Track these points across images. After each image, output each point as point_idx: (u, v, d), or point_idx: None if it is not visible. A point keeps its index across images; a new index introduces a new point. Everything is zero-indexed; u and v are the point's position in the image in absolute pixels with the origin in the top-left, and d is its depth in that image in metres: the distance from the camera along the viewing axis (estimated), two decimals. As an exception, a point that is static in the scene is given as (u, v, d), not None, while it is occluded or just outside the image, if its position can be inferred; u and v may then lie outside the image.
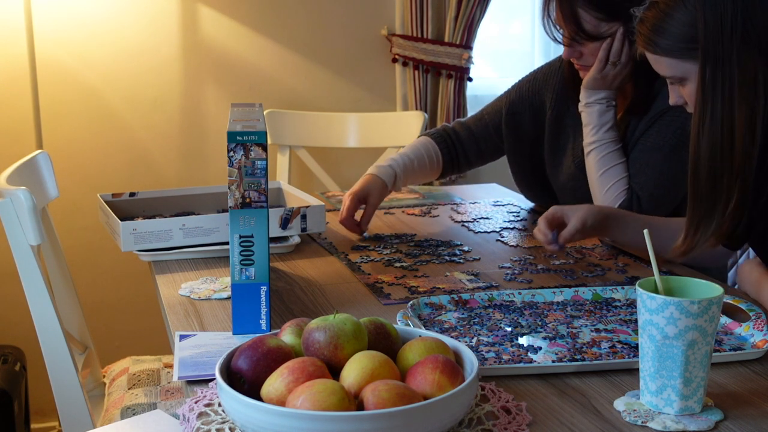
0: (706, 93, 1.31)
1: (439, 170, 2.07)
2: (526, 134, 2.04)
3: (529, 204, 2.18)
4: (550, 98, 1.99)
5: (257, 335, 1.14)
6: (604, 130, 1.81)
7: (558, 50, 3.14)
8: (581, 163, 1.90)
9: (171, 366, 1.88)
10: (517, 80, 2.10)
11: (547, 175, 2.04)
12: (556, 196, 2.06)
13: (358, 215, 1.87)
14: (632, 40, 1.74)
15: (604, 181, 1.80)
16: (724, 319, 1.33)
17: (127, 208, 1.85)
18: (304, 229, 1.75)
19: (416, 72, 2.86)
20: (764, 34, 1.29)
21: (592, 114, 1.83)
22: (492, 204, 2.20)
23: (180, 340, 1.29)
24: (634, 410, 1.06)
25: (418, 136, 2.13)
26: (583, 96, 1.84)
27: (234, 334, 1.30)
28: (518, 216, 2.07)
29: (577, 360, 1.20)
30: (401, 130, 2.77)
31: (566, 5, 1.75)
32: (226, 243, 1.68)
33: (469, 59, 2.85)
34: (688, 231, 1.37)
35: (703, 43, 1.31)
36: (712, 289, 1.07)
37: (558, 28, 1.80)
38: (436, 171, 2.06)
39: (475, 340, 1.27)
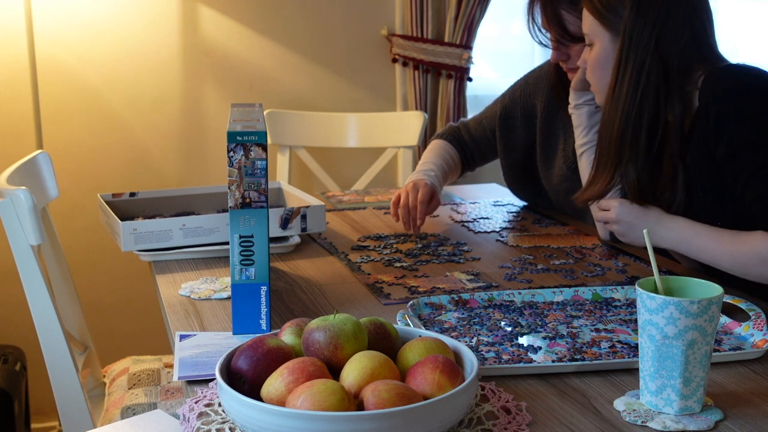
0: (619, 72, 1.52)
1: (459, 171, 2.13)
2: (520, 139, 2.06)
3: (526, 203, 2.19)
4: (541, 102, 2.00)
5: (257, 335, 1.14)
6: (595, 131, 1.81)
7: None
8: (572, 164, 1.91)
9: (171, 366, 1.88)
10: (512, 83, 2.11)
11: (539, 177, 2.05)
12: (547, 198, 2.06)
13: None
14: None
15: None
16: (724, 319, 1.33)
17: (127, 208, 1.85)
18: (304, 229, 1.75)
19: (416, 72, 2.86)
20: (670, 47, 1.50)
21: (582, 116, 1.83)
22: (492, 204, 2.20)
23: (180, 340, 1.29)
24: (634, 410, 1.06)
25: (432, 139, 2.16)
26: (572, 98, 1.85)
27: (234, 334, 1.30)
28: (518, 216, 2.07)
29: (577, 360, 1.20)
30: (401, 130, 2.77)
31: (549, 8, 1.77)
32: (226, 243, 1.68)
33: (469, 59, 2.85)
34: (592, 179, 1.60)
35: (624, 30, 1.51)
36: (711, 289, 1.07)
37: (544, 31, 1.82)
38: (457, 173, 2.13)
39: (475, 340, 1.27)
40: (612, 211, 1.60)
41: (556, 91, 1.95)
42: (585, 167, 1.83)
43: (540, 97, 2.01)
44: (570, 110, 1.86)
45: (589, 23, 1.58)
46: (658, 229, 1.53)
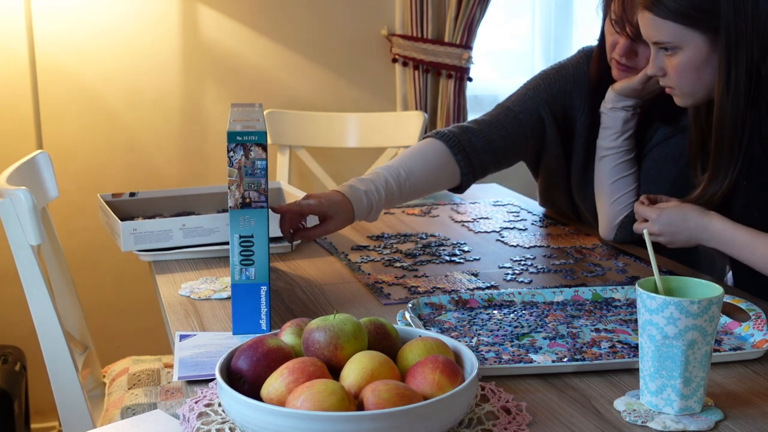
0: (730, 67, 1.44)
1: (452, 185, 1.80)
2: (562, 134, 1.90)
3: (530, 204, 2.18)
4: (581, 103, 1.87)
5: (257, 335, 1.14)
6: (624, 137, 1.77)
7: (558, 51, 3.15)
8: None
9: (171, 366, 1.88)
10: (537, 80, 1.90)
11: (570, 182, 1.95)
12: (576, 207, 1.98)
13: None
14: None
15: (615, 189, 1.78)
16: (724, 319, 1.33)
17: (127, 208, 1.85)
18: (304, 229, 1.75)
19: (416, 72, 2.86)
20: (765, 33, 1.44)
21: (617, 119, 1.76)
22: (492, 204, 2.20)
23: (180, 340, 1.29)
24: (634, 410, 1.06)
25: (426, 136, 1.80)
26: (612, 98, 1.76)
27: (234, 334, 1.30)
28: (518, 216, 2.07)
29: (577, 360, 1.20)
30: (401, 130, 2.77)
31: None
32: (226, 243, 1.68)
33: (469, 59, 2.85)
34: (711, 179, 1.52)
35: (725, 18, 1.43)
36: (712, 289, 1.07)
37: (628, 19, 1.66)
38: (445, 185, 1.79)
39: (475, 340, 1.27)
40: (652, 224, 1.55)
41: (595, 86, 1.83)
42: (605, 172, 1.79)
43: (581, 97, 1.88)
44: (603, 110, 1.78)
45: (669, 30, 1.46)
46: (701, 233, 1.50)
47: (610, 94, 1.77)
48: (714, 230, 1.49)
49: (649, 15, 1.47)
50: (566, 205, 2.01)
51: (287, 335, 1.11)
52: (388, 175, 1.65)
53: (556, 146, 1.90)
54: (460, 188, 1.81)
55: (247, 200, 1.26)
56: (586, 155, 1.88)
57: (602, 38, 1.79)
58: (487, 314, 1.38)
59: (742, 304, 1.36)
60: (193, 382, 1.15)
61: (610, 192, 1.79)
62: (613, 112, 1.77)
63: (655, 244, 1.15)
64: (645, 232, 1.14)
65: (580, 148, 1.89)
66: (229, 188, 1.26)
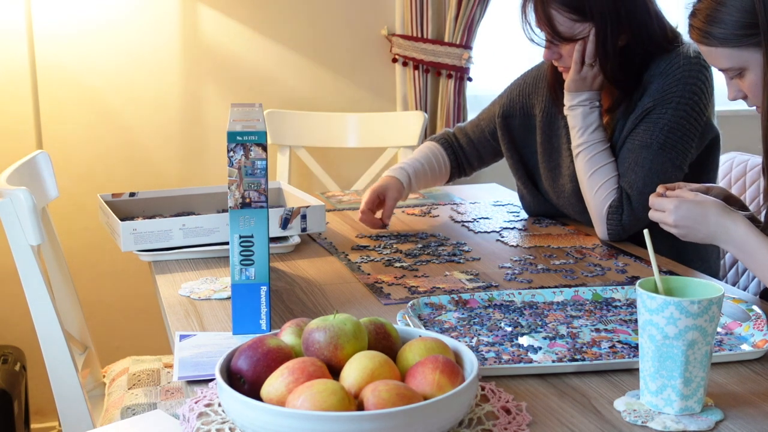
0: None
1: (447, 175, 2.12)
2: (519, 137, 2.04)
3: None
4: (540, 101, 1.99)
5: (257, 335, 1.14)
6: (590, 131, 1.81)
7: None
8: None
9: (171, 366, 1.88)
10: (508, 84, 2.10)
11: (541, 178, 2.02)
12: (552, 204, 2.02)
13: (378, 214, 1.93)
14: (603, 40, 1.76)
15: (594, 181, 1.80)
16: (725, 319, 1.33)
17: (127, 208, 1.85)
18: (304, 229, 1.75)
19: (416, 72, 2.86)
20: None
21: (577, 117, 1.83)
22: (492, 204, 2.20)
23: (180, 340, 1.29)
24: (634, 410, 1.06)
25: (424, 141, 2.16)
26: (567, 99, 1.84)
27: (234, 334, 1.30)
28: (518, 216, 2.07)
29: (577, 360, 1.20)
30: (401, 130, 2.77)
31: (540, 7, 1.77)
32: (226, 243, 1.68)
33: (469, 59, 2.85)
34: None
35: (766, 27, 1.37)
36: (712, 289, 1.07)
37: (537, 30, 1.81)
38: (444, 176, 2.12)
39: (475, 340, 1.27)
40: (668, 215, 1.47)
41: (553, 90, 1.94)
42: (581, 168, 1.82)
43: (539, 96, 1.99)
44: (565, 111, 1.86)
45: (726, 56, 1.44)
46: (720, 234, 1.42)
47: (565, 95, 1.86)
48: (736, 235, 1.40)
49: (704, 48, 1.46)
50: (540, 204, 2.05)
51: (287, 335, 1.11)
52: (412, 159, 2.07)
53: (504, 149, 2.06)
54: (450, 179, 2.15)
55: (247, 200, 1.26)
56: (547, 148, 1.97)
57: None
58: (487, 314, 1.38)
59: (742, 305, 1.36)
60: (193, 382, 1.15)
61: (590, 185, 1.81)
62: (572, 110, 1.84)
63: (654, 238, 1.14)
64: (645, 231, 1.14)
65: (540, 141, 1.99)
66: (229, 188, 1.26)
